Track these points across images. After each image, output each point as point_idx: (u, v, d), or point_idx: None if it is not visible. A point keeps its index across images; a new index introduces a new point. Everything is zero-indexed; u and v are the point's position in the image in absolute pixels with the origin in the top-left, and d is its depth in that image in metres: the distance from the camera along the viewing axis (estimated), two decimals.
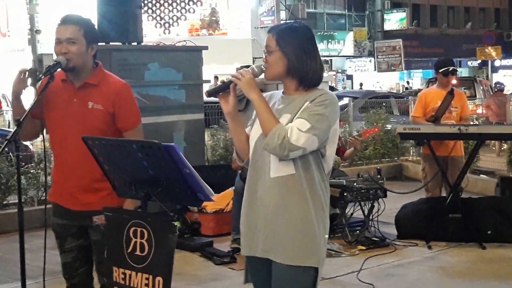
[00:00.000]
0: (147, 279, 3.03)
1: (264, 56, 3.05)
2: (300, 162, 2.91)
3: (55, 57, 3.60)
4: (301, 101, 2.97)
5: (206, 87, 9.06)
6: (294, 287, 2.96)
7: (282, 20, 27.27)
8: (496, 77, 38.56)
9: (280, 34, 2.99)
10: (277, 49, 2.98)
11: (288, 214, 2.93)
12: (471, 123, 8.69)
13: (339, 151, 7.20)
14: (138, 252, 3.07)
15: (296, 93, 3.02)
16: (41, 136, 3.80)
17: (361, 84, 33.11)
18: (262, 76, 3.07)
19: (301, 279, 2.95)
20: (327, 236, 3.05)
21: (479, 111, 16.37)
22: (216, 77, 21.36)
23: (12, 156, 7.84)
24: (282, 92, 3.10)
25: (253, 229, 3.02)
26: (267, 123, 2.88)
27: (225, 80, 3.05)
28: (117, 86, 3.67)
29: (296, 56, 2.97)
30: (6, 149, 3.44)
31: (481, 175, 10.19)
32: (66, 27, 3.54)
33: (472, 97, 19.55)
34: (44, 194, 7.61)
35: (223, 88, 3.02)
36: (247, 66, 3.72)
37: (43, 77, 3.49)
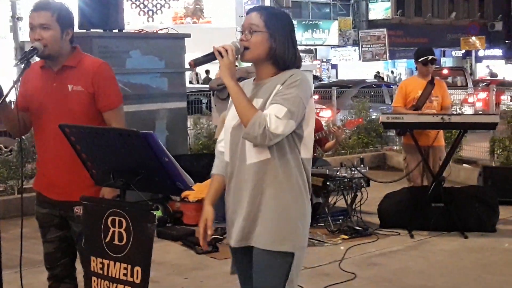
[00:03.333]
0: (126, 268, 2.99)
1: (242, 35, 2.93)
2: (275, 146, 2.86)
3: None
4: (272, 84, 2.91)
5: (188, 75, 9.08)
6: (269, 272, 2.93)
7: None
8: (480, 67, 38.84)
9: (269, 16, 2.92)
10: (265, 30, 2.89)
11: (263, 200, 2.90)
12: (454, 112, 8.71)
13: (321, 142, 7.18)
14: (116, 242, 3.02)
15: (268, 77, 2.96)
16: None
17: (378, 73, 33.56)
18: (246, 64, 3.00)
19: (276, 264, 2.91)
20: (308, 221, 3.01)
21: (471, 100, 16.52)
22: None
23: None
24: (253, 79, 3.03)
25: (234, 218, 3.00)
26: (245, 111, 2.80)
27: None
28: (95, 65, 3.61)
29: (282, 42, 2.91)
30: None
31: (464, 165, 10.21)
32: (39, 13, 3.47)
33: (463, 86, 19.80)
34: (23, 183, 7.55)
35: (208, 60, 2.93)
36: None
37: (19, 63, 3.43)
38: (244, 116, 2.80)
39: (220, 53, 2.85)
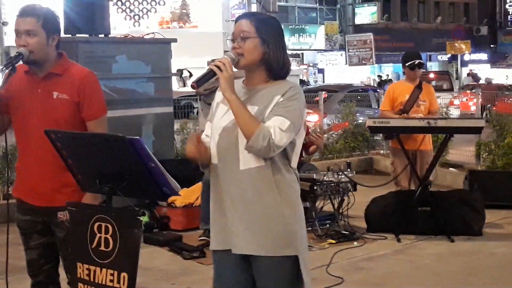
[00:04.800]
0: (112, 275, 2.98)
1: (234, 43, 2.94)
2: None
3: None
4: (269, 93, 2.92)
5: (175, 80, 9.06)
6: (277, 277, 2.94)
7: None
8: (466, 72, 39.06)
9: (259, 22, 2.94)
10: (256, 36, 2.91)
11: (259, 206, 2.91)
12: (440, 116, 8.76)
13: (305, 147, 7.20)
14: (102, 248, 3.01)
15: (261, 84, 2.97)
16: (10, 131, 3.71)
17: (380, 76, 33.84)
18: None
19: (283, 268, 2.93)
20: (304, 223, 3.05)
21: (457, 102, 16.76)
22: (180, 71, 21.14)
23: None
24: (243, 82, 3.04)
25: (226, 225, 2.97)
26: (247, 124, 2.82)
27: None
28: (82, 74, 3.59)
29: (275, 46, 2.93)
30: None
31: (450, 168, 10.25)
32: (24, 19, 3.45)
33: (449, 90, 20.24)
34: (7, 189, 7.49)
35: (209, 78, 2.93)
36: None
37: (5, 69, 3.41)
38: (247, 129, 2.82)
39: (218, 67, 2.87)
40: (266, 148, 2.79)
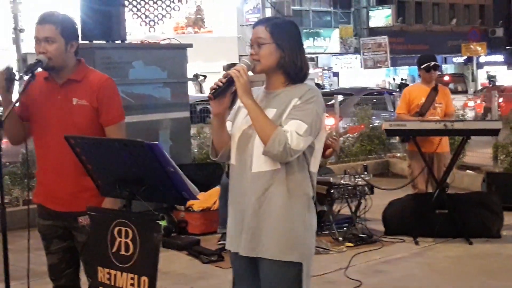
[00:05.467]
0: (132, 279, 3.00)
1: (251, 49, 2.98)
2: None
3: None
4: (287, 96, 2.94)
5: (191, 85, 9.10)
6: (279, 281, 2.95)
7: None
8: (482, 74, 38.88)
9: (275, 27, 2.96)
10: (271, 42, 2.94)
11: (269, 209, 2.92)
12: (457, 118, 8.73)
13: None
14: (123, 252, 3.04)
15: (281, 88, 3.00)
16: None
17: (402, 79, 33.91)
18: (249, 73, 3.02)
19: (286, 274, 2.94)
20: (314, 232, 3.04)
21: (471, 103, 16.87)
22: (196, 76, 21.08)
23: None
24: (264, 88, 3.07)
25: (238, 226, 3.01)
26: (264, 128, 2.84)
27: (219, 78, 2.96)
28: (100, 80, 3.62)
29: (291, 50, 2.96)
30: None
31: (467, 171, 10.21)
32: (43, 26, 3.48)
33: (464, 92, 20.54)
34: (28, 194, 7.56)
35: (226, 88, 2.94)
36: (234, 64, 3.67)
37: (24, 76, 3.45)
38: (263, 133, 2.84)
39: (235, 75, 2.89)
40: (283, 153, 2.80)
